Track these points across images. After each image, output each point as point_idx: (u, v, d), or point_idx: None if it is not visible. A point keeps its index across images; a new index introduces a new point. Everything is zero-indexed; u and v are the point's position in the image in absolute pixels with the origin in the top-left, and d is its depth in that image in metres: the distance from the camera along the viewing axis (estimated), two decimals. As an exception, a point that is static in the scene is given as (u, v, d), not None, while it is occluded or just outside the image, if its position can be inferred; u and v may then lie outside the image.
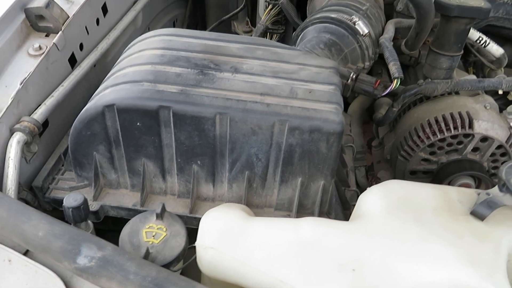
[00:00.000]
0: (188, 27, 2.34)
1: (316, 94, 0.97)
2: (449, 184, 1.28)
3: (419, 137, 1.28)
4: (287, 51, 1.11)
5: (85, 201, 0.86)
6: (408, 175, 1.36)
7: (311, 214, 1.04)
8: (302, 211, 1.06)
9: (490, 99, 1.29)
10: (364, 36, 1.26)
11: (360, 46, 1.27)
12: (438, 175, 1.29)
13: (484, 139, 1.24)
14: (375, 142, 1.57)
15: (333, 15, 1.27)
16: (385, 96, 1.22)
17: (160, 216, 0.87)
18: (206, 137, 0.95)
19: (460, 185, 1.26)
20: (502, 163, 1.29)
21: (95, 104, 0.95)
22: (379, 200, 0.82)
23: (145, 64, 1.02)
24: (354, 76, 1.19)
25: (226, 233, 0.75)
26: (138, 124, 0.94)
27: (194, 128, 0.94)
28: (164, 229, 0.85)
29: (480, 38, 1.44)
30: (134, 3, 1.64)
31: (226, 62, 1.05)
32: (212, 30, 2.13)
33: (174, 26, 2.21)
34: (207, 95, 0.94)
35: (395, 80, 1.19)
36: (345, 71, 1.20)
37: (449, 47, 1.36)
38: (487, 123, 1.22)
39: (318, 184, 1.01)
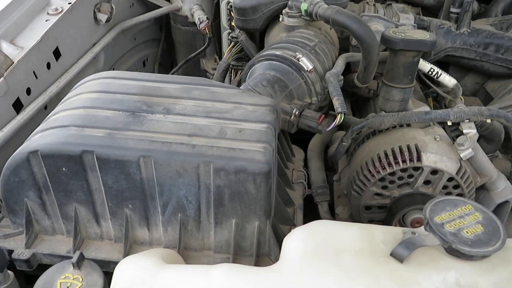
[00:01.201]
0: (160, 66, 2.38)
1: (246, 133, 0.96)
2: (402, 218, 1.24)
3: (369, 171, 1.26)
4: (225, 90, 1.11)
5: (0, 252, 0.83)
6: (363, 210, 1.33)
7: (251, 256, 1.01)
8: (241, 253, 1.03)
9: (440, 131, 1.28)
10: (309, 72, 1.26)
11: (305, 82, 1.27)
12: (391, 210, 1.26)
13: (434, 171, 1.21)
14: (336, 177, 1.55)
15: (277, 52, 1.28)
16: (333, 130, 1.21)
17: (77, 265, 0.84)
18: (133, 181, 0.93)
19: (413, 220, 1.22)
20: (456, 196, 1.25)
21: (21, 150, 0.94)
22: (300, 244, 0.79)
23: (77, 108, 1.02)
24: (297, 112, 1.18)
25: (134, 284, 0.72)
26: (64, 169, 0.93)
27: (120, 172, 0.92)
28: (80, 279, 0.82)
29: (432, 70, 1.44)
30: (94, 45, 1.67)
31: (159, 104, 1.04)
32: (180, 68, 2.17)
33: (144, 66, 2.25)
34: (133, 138, 0.93)
35: (339, 115, 1.18)
36: (288, 107, 1.19)
37: (400, 80, 1.36)
38: (436, 155, 1.20)
39: (253, 225, 0.98)
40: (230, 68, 1.85)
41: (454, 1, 1.71)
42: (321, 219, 1.53)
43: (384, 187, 1.27)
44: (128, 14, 1.95)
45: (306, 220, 1.51)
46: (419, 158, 1.20)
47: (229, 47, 1.82)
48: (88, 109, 1.01)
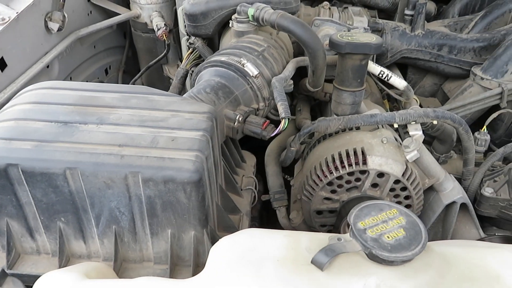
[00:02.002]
0: (125, 73, 2.36)
1: (178, 142, 0.94)
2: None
3: (318, 176, 1.25)
4: (164, 98, 1.10)
5: None
6: (314, 215, 1.33)
7: (190, 266, 0.99)
8: (181, 263, 1.01)
9: (387, 133, 1.28)
10: (254, 77, 1.25)
11: (251, 87, 1.26)
12: (340, 214, 1.26)
13: (381, 174, 1.21)
14: (292, 182, 1.54)
15: (223, 58, 1.27)
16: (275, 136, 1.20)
17: (-2, 283, 0.81)
18: (62, 194, 0.91)
19: (361, 224, 1.22)
20: (404, 198, 1.25)
21: None
22: (224, 253, 0.77)
23: (9, 120, 0.99)
24: (240, 119, 1.17)
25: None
26: (-10, 183, 0.90)
27: (48, 185, 0.90)
28: (1, 297, 0.79)
29: (382, 72, 1.44)
30: (46, 54, 1.64)
31: (94, 114, 1.02)
32: (143, 75, 2.15)
33: (106, 74, 2.22)
34: (61, 150, 0.90)
35: (283, 120, 1.17)
36: (232, 113, 1.18)
37: (349, 83, 1.36)
38: (381, 158, 1.20)
39: (190, 234, 0.96)
40: (190, 74, 1.84)
41: (408, 4, 1.73)
42: (275, 225, 1.53)
43: (333, 191, 1.26)
44: (85, 22, 1.93)
45: (270, 226, 1.52)
46: (364, 162, 1.20)
47: (187, 53, 1.80)
48: (19, 121, 0.98)
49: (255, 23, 1.39)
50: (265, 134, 1.18)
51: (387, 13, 1.90)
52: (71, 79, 1.88)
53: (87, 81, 2.01)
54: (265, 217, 1.65)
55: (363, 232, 0.75)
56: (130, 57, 2.39)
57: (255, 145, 1.57)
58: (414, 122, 1.28)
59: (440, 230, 1.37)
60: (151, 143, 0.94)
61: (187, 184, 0.88)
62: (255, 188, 1.32)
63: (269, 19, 1.32)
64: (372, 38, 1.32)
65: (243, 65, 1.25)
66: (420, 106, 1.79)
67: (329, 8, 1.75)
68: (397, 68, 1.91)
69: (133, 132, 0.97)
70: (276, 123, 1.21)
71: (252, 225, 1.70)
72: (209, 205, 0.97)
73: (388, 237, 0.74)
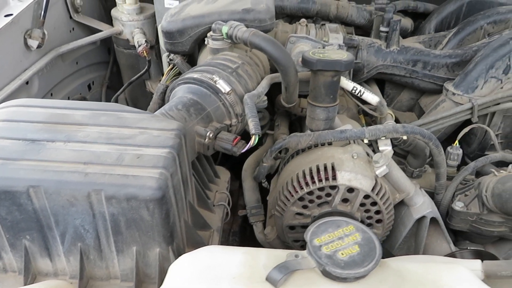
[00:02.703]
0: (109, 89, 2.37)
1: (144, 159, 0.95)
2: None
3: (289, 191, 1.26)
4: (134, 115, 1.11)
5: None
6: (287, 230, 1.33)
7: (156, 283, 1.00)
8: (147, 280, 1.01)
9: (357, 149, 1.29)
10: (227, 94, 1.27)
11: (223, 104, 1.27)
12: (311, 229, 1.26)
13: (351, 189, 1.23)
14: (268, 197, 1.55)
15: (195, 76, 1.29)
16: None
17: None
18: (26, 212, 0.91)
19: (332, 239, 1.23)
20: (375, 213, 1.27)
21: None
22: (183, 270, 0.78)
23: (-23, 138, 1.00)
24: (211, 135, 1.18)
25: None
26: (-45, 202, 0.91)
27: (12, 203, 0.90)
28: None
29: (355, 88, 1.47)
30: (25, 70, 1.65)
31: (63, 131, 1.03)
32: (125, 91, 2.16)
33: (89, 89, 2.24)
34: (25, 168, 0.91)
35: (253, 136, 1.19)
36: (202, 130, 1.19)
37: (322, 99, 1.38)
38: (350, 173, 1.21)
39: (155, 252, 0.97)
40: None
41: (382, 21, 1.76)
42: (256, 240, 1.54)
43: (305, 207, 1.28)
44: (67, 39, 1.95)
45: (252, 241, 1.52)
46: (334, 177, 1.22)
47: (167, 70, 1.83)
48: (-14, 139, 0.99)
49: (229, 41, 1.42)
50: (236, 150, 1.19)
51: (364, 30, 1.94)
52: (52, 95, 1.89)
53: (68, 97, 2.02)
54: (248, 232, 1.65)
55: (318, 249, 0.76)
56: (115, 73, 2.41)
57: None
58: (384, 138, 1.31)
59: (413, 245, 1.38)
60: (117, 161, 0.94)
61: (150, 201, 0.89)
62: (228, 204, 1.33)
63: (241, 37, 1.34)
64: (344, 55, 1.35)
65: (215, 82, 1.27)
66: (397, 121, 1.82)
67: (306, 25, 1.78)
68: (375, 83, 1.94)
69: (100, 149, 0.98)
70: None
71: (233, 240, 1.71)
72: (174, 222, 0.98)
73: (342, 254, 0.75)
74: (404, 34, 2.02)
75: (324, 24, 1.85)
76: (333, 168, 1.23)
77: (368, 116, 1.78)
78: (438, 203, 1.45)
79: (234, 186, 1.72)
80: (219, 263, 0.79)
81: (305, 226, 1.32)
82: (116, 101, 2.18)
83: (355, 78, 1.83)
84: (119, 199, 0.88)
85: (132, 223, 0.92)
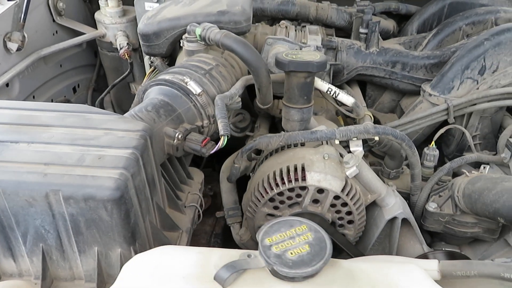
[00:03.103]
0: (96, 92, 2.38)
1: (105, 160, 0.95)
2: (292, 239, 1.24)
3: (260, 192, 1.26)
4: (101, 116, 1.11)
5: None
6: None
7: (119, 284, 1.00)
8: (111, 281, 1.00)
9: (329, 149, 1.29)
10: (198, 95, 1.28)
11: (194, 105, 1.28)
12: (282, 230, 1.26)
13: (320, 190, 1.22)
14: (243, 198, 1.55)
15: (167, 77, 1.29)
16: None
17: None
18: (-14, 212, 0.92)
19: (301, 240, 1.23)
20: (346, 213, 1.26)
21: None
22: (135, 270, 0.78)
23: None
24: (180, 136, 1.19)
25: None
26: None
27: (-28, 203, 0.91)
28: None
29: (330, 89, 1.47)
30: (5, 73, 1.66)
31: (28, 132, 1.03)
32: (110, 93, 2.18)
33: (74, 92, 2.25)
34: (-15, 168, 0.92)
35: (222, 137, 1.19)
36: (171, 131, 1.19)
37: (296, 100, 1.38)
38: (320, 174, 1.21)
39: (117, 252, 0.97)
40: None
41: (362, 22, 1.76)
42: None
43: (276, 208, 1.27)
44: (50, 42, 1.96)
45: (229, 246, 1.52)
46: (304, 178, 1.22)
47: (149, 72, 1.83)
48: (-50, 141, 1.00)
49: (203, 42, 1.42)
50: (204, 151, 1.19)
51: (346, 32, 1.94)
52: (34, 98, 1.90)
53: (52, 99, 2.03)
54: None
55: (268, 248, 0.76)
56: (102, 76, 2.42)
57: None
58: (355, 139, 1.31)
59: (387, 246, 1.38)
60: (77, 162, 0.95)
61: (107, 201, 0.89)
62: (200, 205, 1.33)
63: (214, 39, 1.35)
64: (317, 56, 1.35)
65: (186, 83, 1.28)
66: (377, 122, 1.82)
67: (286, 27, 1.78)
68: (357, 84, 1.94)
69: (62, 150, 0.98)
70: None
71: (214, 242, 1.71)
72: (136, 223, 0.98)
73: (291, 253, 0.75)
74: (387, 36, 2.02)
75: (305, 26, 1.86)
76: (303, 169, 1.23)
77: (350, 118, 1.78)
78: (414, 204, 1.45)
79: (219, 188, 1.72)
80: (172, 262, 0.79)
81: (277, 227, 1.33)
82: (102, 103, 2.19)
83: (335, 79, 1.84)
84: (77, 200, 0.89)
85: (91, 223, 0.92)
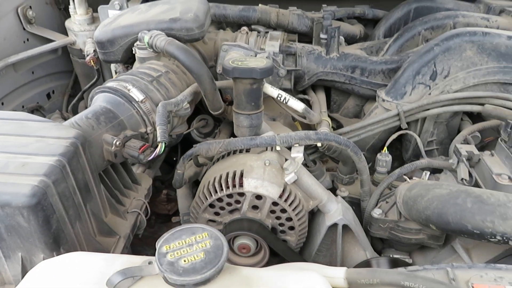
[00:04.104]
0: (72, 97, 2.41)
1: (28, 167, 0.97)
2: (231, 244, 1.25)
3: (200, 198, 1.27)
4: (37, 124, 1.13)
5: None
6: (204, 237, 1.34)
7: (45, 289, 1.01)
8: (38, 286, 1.03)
9: (271, 156, 1.30)
10: (141, 102, 1.29)
11: (137, 112, 1.29)
12: (222, 236, 1.27)
13: (259, 196, 1.23)
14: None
15: (111, 84, 1.31)
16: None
17: None
18: None
19: (239, 245, 1.23)
20: (286, 220, 1.26)
21: None
22: (37, 276, 0.79)
23: None
24: (118, 143, 1.20)
25: None
26: None
27: None
28: None
29: (280, 95, 1.47)
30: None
31: (-40, 140, 1.06)
32: (81, 99, 2.21)
33: (49, 98, 2.28)
34: None
35: (159, 144, 1.20)
36: (109, 138, 1.21)
37: (244, 107, 1.39)
38: (257, 180, 1.22)
39: (40, 258, 0.98)
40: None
41: (322, 28, 1.77)
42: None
43: (216, 213, 1.28)
44: (20, 49, 2.00)
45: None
46: (241, 184, 1.22)
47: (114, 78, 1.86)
48: None
49: (151, 50, 1.44)
50: (142, 158, 1.20)
51: (310, 37, 1.94)
52: (3, 105, 1.93)
53: (23, 106, 2.06)
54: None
55: (164, 256, 0.77)
56: (79, 82, 2.45)
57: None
58: (297, 145, 1.31)
59: (334, 252, 1.38)
60: (1, 169, 0.97)
61: (23, 208, 0.90)
62: (146, 211, 1.34)
63: (159, 46, 1.36)
64: (263, 63, 1.36)
65: (128, 90, 1.29)
66: (341, 127, 1.81)
67: (247, 33, 1.80)
68: (323, 90, 1.94)
69: (-10, 158, 1.00)
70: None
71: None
72: (60, 229, 0.99)
73: (185, 261, 0.75)
74: (353, 41, 2.02)
75: (268, 32, 1.87)
76: (241, 175, 1.23)
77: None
78: (363, 210, 1.44)
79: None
80: (75, 269, 0.80)
81: (220, 233, 1.33)
82: (74, 109, 2.22)
83: (297, 85, 1.84)
84: (-5, 206, 0.91)
85: (11, 229, 0.94)
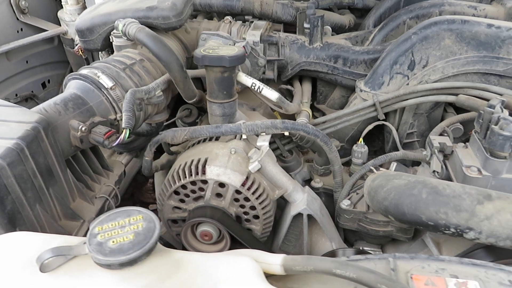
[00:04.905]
0: (68, 87, 2.45)
1: (-14, 149, 1.00)
2: (194, 231, 1.26)
3: (165, 185, 1.28)
4: (3, 108, 1.16)
5: None
6: (171, 223, 1.35)
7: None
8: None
9: (237, 144, 1.29)
10: (110, 89, 1.30)
11: (106, 99, 1.31)
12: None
13: (222, 184, 1.23)
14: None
15: (83, 71, 1.33)
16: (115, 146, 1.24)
17: None
18: None
19: (201, 232, 1.23)
20: (250, 208, 1.26)
21: None
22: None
23: None
24: (83, 128, 1.22)
25: None
26: None
27: None
28: None
29: (254, 84, 1.46)
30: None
31: None
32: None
33: (44, 87, 2.33)
34: None
35: (124, 130, 1.21)
36: (76, 123, 1.23)
37: (216, 95, 1.39)
38: (220, 168, 1.21)
39: (-4, 238, 1.01)
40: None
41: (306, 17, 1.74)
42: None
43: (182, 201, 1.29)
44: (14, 38, 2.05)
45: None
46: (204, 171, 1.22)
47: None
48: None
49: (125, 38, 1.45)
50: (107, 144, 1.22)
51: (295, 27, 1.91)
52: (-7, 93, 2.00)
53: (16, 94, 2.12)
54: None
55: (94, 236, 0.77)
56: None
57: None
58: (264, 133, 1.30)
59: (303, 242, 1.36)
60: (-41, 151, 1.00)
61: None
62: (115, 197, 1.36)
63: (131, 33, 1.37)
64: (234, 51, 1.35)
65: (98, 77, 1.31)
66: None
67: (230, 22, 1.79)
68: (309, 81, 1.92)
69: (-49, 141, 1.04)
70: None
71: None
72: (15, 210, 1.02)
73: (113, 242, 0.76)
74: (342, 31, 1.99)
75: (252, 21, 1.86)
76: (205, 163, 1.23)
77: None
78: (336, 201, 1.42)
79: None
80: (13, 248, 0.82)
81: (185, 220, 1.34)
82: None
83: (282, 75, 1.82)
84: None
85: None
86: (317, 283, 0.86)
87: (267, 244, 1.38)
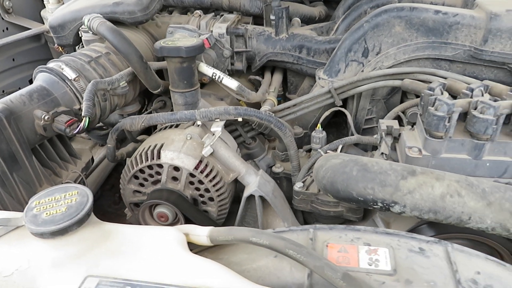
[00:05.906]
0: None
1: None
2: (152, 212, 1.32)
3: (124, 170, 1.35)
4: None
5: None
6: (133, 207, 1.42)
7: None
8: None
9: (193, 130, 1.36)
10: (74, 80, 1.38)
11: (70, 89, 1.38)
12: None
13: (176, 168, 1.29)
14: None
15: (49, 64, 1.41)
16: (80, 133, 1.32)
17: None
18: None
19: (158, 214, 1.30)
20: (204, 191, 1.32)
21: None
22: None
23: None
24: (46, 117, 1.29)
25: None
26: None
27: None
28: None
29: (214, 74, 1.53)
30: None
31: None
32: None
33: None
34: None
35: (84, 118, 1.29)
36: (39, 113, 1.30)
37: (177, 85, 1.46)
38: (173, 152, 1.28)
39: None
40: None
41: (272, 9, 1.79)
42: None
43: (141, 184, 1.36)
44: (0, 38, 2.14)
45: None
46: (159, 156, 1.29)
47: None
48: None
49: (91, 32, 1.52)
50: (68, 132, 1.29)
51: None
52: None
53: (3, 91, 2.22)
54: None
55: (31, 209, 0.85)
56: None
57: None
58: (218, 120, 1.36)
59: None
60: None
61: None
62: (82, 183, 1.43)
63: (94, 28, 1.45)
64: (191, 42, 1.42)
65: (62, 69, 1.38)
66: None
67: (200, 16, 1.85)
68: (281, 72, 1.97)
69: None
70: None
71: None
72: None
73: (47, 214, 0.83)
74: (312, 22, 2.03)
75: (223, 15, 1.92)
76: (160, 148, 1.30)
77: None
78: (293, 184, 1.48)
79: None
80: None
81: (147, 204, 1.41)
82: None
83: (251, 66, 1.88)
84: None
85: None
86: (242, 253, 0.92)
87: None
